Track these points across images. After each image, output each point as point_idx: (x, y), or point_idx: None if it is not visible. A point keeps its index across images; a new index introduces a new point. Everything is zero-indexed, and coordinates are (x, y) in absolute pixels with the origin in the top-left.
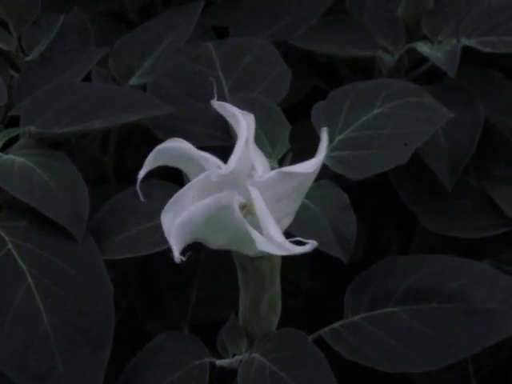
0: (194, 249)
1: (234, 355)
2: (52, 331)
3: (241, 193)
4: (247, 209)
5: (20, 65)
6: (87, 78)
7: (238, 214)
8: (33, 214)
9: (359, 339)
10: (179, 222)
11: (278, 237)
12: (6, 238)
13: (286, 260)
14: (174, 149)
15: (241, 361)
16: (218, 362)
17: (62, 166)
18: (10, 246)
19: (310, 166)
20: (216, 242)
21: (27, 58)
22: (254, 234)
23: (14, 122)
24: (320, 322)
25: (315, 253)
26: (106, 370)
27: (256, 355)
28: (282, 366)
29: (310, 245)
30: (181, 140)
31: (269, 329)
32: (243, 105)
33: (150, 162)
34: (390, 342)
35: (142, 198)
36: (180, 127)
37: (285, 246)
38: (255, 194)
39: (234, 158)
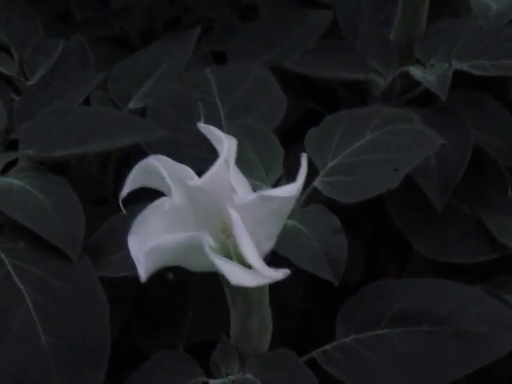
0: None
1: (227, 375)
2: (50, 351)
3: (220, 214)
4: (228, 231)
5: (22, 89)
6: (86, 101)
7: (209, 253)
8: (30, 235)
9: (350, 361)
10: (149, 249)
11: (257, 262)
12: (6, 260)
13: (281, 282)
14: (151, 167)
15: (233, 381)
16: (212, 382)
17: (59, 189)
18: (9, 267)
19: (289, 191)
20: (194, 267)
21: (29, 83)
22: (226, 270)
23: (15, 145)
24: (315, 344)
25: (311, 275)
26: None
27: (248, 375)
28: None
29: (283, 273)
30: (159, 157)
31: (260, 348)
32: (239, 130)
33: (131, 181)
34: (380, 363)
35: (124, 212)
36: (177, 152)
37: (263, 272)
38: (235, 217)
39: (209, 174)
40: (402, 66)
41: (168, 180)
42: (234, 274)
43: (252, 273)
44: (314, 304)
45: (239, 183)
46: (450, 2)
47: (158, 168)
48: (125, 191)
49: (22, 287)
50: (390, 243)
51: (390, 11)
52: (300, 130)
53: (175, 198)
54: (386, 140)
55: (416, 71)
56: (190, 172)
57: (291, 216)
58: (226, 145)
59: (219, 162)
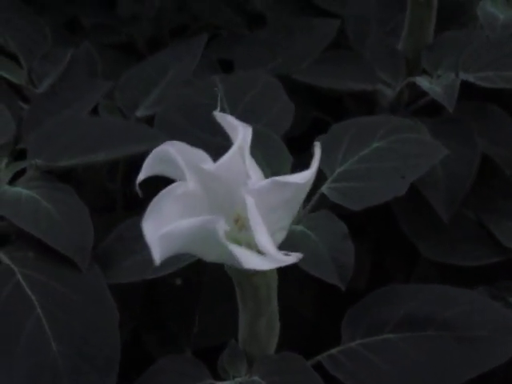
0: (196, 275)
1: (234, 377)
2: (61, 360)
3: (233, 205)
4: (241, 222)
5: (30, 97)
6: (94, 110)
7: (222, 239)
8: (39, 244)
9: (356, 365)
10: (163, 234)
11: (270, 246)
12: (15, 269)
13: (289, 287)
14: (166, 153)
15: (240, 383)
16: None
17: (67, 198)
18: (19, 276)
19: (303, 177)
20: (208, 256)
21: (37, 91)
22: (239, 254)
23: (23, 154)
24: (321, 348)
25: (317, 281)
26: None
27: (255, 378)
28: None
29: (295, 256)
30: (174, 143)
31: (267, 351)
32: None
33: (147, 167)
34: (386, 367)
35: (140, 195)
36: None
37: (276, 256)
38: (250, 202)
39: (223, 159)
40: (410, 77)
41: (182, 165)
42: (247, 258)
43: (264, 257)
44: (320, 309)
45: (254, 171)
46: (456, 12)
47: (172, 154)
48: (140, 178)
49: (32, 296)
50: (395, 250)
51: (398, 21)
52: (306, 138)
53: (189, 184)
54: (393, 148)
55: (423, 82)
56: (206, 156)
57: (299, 221)
58: (241, 133)
59: (233, 149)
